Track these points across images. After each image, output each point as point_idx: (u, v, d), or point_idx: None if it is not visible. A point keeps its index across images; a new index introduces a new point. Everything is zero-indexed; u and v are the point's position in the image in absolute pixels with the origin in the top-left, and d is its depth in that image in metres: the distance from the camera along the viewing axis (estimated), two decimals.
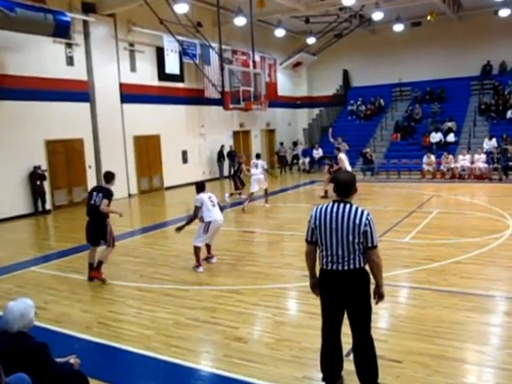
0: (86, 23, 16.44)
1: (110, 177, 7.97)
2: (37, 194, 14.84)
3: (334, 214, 3.92)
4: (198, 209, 7.99)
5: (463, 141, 21.86)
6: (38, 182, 14.72)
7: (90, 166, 16.85)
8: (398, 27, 23.30)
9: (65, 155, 16.03)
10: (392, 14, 22.33)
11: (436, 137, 22.08)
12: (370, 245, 3.89)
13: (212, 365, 4.92)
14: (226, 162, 22.62)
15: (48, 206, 15.33)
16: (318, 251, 4.13)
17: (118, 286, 7.59)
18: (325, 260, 4.02)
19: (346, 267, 3.92)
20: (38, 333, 3.76)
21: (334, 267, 3.95)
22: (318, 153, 23.79)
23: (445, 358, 4.77)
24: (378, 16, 21.34)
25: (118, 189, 17.45)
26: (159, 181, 19.66)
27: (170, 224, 12.66)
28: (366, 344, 4.11)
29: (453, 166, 19.33)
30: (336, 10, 22.29)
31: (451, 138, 22.07)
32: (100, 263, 7.71)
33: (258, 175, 14.13)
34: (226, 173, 22.68)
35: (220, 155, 22.29)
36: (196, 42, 19.61)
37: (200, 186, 8.23)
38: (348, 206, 3.92)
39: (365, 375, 4.10)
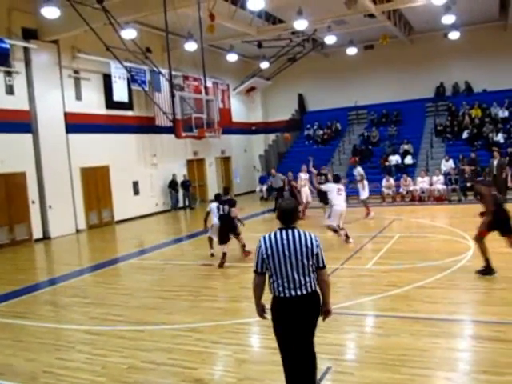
0: (26, 50, 16.25)
1: (227, 190, 11.85)
2: None
3: (285, 241, 4.11)
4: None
5: (421, 163, 22.63)
6: None
7: (33, 201, 16.40)
8: (352, 50, 24.13)
9: (5, 190, 15.51)
10: (345, 38, 23.16)
11: (393, 159, 22.79)
12: (321, 265, 4.16)
13: None
14: (180, 193, 22.53)
15: None
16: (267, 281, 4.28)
17: (67, 330, 7.33)
18: (281, 288, 4.14)
19: (304, 291, 4.10)
20: None
21: (293, 293, 4.09)
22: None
23: None
24: (330, 40, 22.01)
25: (65, 224, 17.18)
26: (109, 214, 19.30)
27: (122, 260, 12.45)
28: (311, 359, 4.38)
29: (412, 188, 19.93)
30: (289, 34, 22.90)
31: (409, 160, 22.83)
32: (244, 246, 11.17)
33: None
34: (181, 203, 22.56)
35: (172, 185, 22.15)
36: (145, 68, 19.67)
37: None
38: (296, 231, 4.16)
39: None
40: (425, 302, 7.33)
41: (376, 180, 21.10)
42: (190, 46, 18.70)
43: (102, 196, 19.00)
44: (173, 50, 17.56)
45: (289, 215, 4.21)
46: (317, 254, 4.11)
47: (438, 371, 5.18)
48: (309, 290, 4.10)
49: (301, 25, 18.29)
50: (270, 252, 4.12)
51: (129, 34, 16.66)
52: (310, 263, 4.10)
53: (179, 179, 22.44)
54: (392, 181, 20.39)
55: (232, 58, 23.60)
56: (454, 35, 21.91)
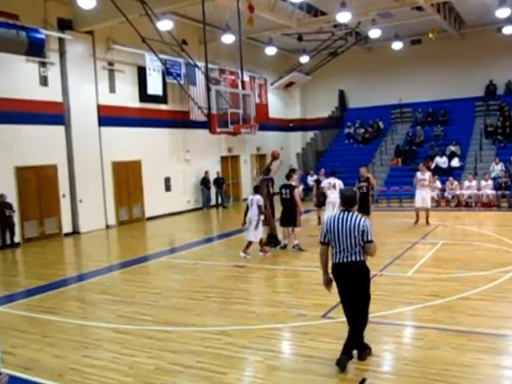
0: (61, 41, 16.67)
1: (290, 173, 12.47)
2: (4, 225, 14.74)
3: (342, 220, 5.60)
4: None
5: (469, 166, 22.18)
6: (7, 213, 14.62)
7: (64, 195, 16.82)
8: (397, 45, 23.85)
9: (36, 183, 16.00)
10: (390, 32, 22.88)
11: (440, 162, 22.38)
12: (367, 239, 5.52)
13: None
14: (213, 190, 22.69)
15: (17, 238, 15.22)
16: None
17: (94, 327, 7.50)
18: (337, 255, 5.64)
19: (353, 258, 5.55)
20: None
21: (344, 260, 5.56)
22: (312, 179, 23.87)
23: None
24: (375, 33, 21.78)
25: (95, 219, 17.54)
26: (140, 211, 19.63)
27: (151, 258, 12.64)
28: (360, 315, 5.75)
29: (458, 192, 19.54)
30: (330, 27, 22.77)
31: (456, 162, 22.39)
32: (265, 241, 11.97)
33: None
34: (213, 201, 22.72)
35: (204, 182, 22.32)
36: (180, 60, 19.89)
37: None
38: (351, 213, 5.65)
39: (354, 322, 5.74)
40: (469, 315, 7.19)
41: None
42: (228, 39, 18.84)
43: (133, 191, 19.33)
44: (209, 43, 17.72)
45: (349, 200, 5.83)
46: (363, 231, 5.47)
47: None
48: (357, 258, 5.52)
49: (344, 17, 18.17)
50: (329, 227, 5.62)
51: (165, 25, 16.89)
52: (359, 238, 5.48)
53: (212, 176, 22.62)
54: (438, 184, 20.00)
55: (271, 51, 23.61)
56: (508, 30, 21.42)
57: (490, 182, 19.33)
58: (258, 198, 11.51)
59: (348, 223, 5.52)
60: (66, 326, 7.56)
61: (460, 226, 15.51)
